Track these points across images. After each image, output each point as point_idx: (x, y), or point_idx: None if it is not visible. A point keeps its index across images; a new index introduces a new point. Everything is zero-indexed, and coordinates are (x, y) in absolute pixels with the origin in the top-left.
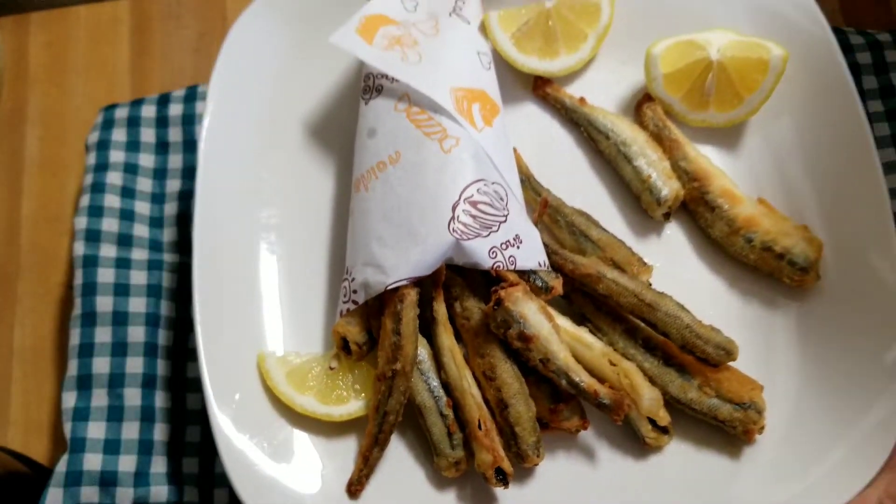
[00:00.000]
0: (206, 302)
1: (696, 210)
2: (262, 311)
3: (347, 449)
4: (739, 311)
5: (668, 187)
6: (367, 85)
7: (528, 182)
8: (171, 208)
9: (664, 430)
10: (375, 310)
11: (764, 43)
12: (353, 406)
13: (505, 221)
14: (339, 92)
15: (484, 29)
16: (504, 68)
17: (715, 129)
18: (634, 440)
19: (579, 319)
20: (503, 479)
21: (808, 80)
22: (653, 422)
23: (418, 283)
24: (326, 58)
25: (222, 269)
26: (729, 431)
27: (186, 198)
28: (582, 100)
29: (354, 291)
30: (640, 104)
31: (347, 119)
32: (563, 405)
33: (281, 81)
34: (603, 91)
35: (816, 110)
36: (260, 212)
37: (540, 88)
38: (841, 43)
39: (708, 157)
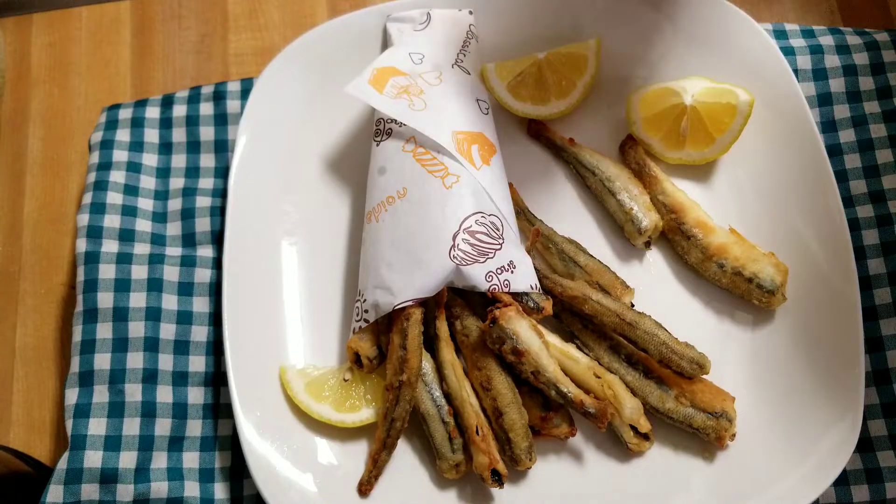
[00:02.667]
0: (235, 320)
1: (674, 239)
2: (284, 329)
3: (359, 452)
4: (713, 330)
5: (648, 218)
6: (379, 129)
7: (523, 213)
8: (174, 204)
9: (645, 437)
10: (385, 327)
11: (733, 89)
12: (364, 414)
13: (500, 249)
14: (354, 135)
15: (483, 78)
16: (501, 113)
17: (690, 166)
18: (618, 445)
19: (568, 336)
20: (499, 479)
21: (774, 120)
22: (634, 429)
23: (423, 303)
24: (342, 105)
25: (250, 291)
26: (703, 438)
27: (190, 194)
28: (571, 140)
29: (366, 311)
30: (623, 144)
31: (361, 158)
32: (552, 414)
33: (301, 126)
34: (590, 132)
35: (782, 148)
36: (283, 241)
37: (533, 130)
38: (838, 43)
39: (684, 192)
